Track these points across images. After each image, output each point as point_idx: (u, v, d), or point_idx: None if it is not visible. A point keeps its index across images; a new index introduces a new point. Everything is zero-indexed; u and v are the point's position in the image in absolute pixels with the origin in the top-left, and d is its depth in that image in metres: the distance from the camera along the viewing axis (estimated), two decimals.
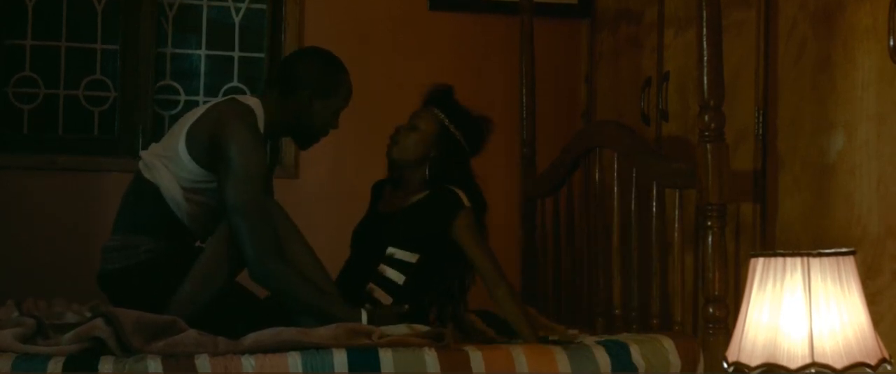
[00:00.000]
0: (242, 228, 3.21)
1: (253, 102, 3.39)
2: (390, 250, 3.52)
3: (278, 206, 3.37)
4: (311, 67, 3.47)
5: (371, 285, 3.48)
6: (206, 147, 3.29)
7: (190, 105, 4.63)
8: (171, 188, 3.33)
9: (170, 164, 3.33)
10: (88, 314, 3.34)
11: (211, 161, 3.29)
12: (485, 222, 3.63)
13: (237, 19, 4.72)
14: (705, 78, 3.06)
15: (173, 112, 4.64)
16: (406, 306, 3.34)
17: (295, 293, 3.24)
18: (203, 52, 4.71)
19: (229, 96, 3.51)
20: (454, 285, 3.60)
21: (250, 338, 2.98)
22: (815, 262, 2.36)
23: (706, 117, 3.08)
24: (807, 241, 3.13)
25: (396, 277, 3.49)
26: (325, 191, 4.63)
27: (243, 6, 4.72)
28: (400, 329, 3.14)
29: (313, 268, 3.34)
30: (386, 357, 2.96)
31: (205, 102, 4.61)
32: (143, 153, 3.44)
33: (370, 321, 3.21)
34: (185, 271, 3.25)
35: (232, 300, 3.30)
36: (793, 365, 2.33)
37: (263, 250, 3.21)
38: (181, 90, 4.67)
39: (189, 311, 3.17)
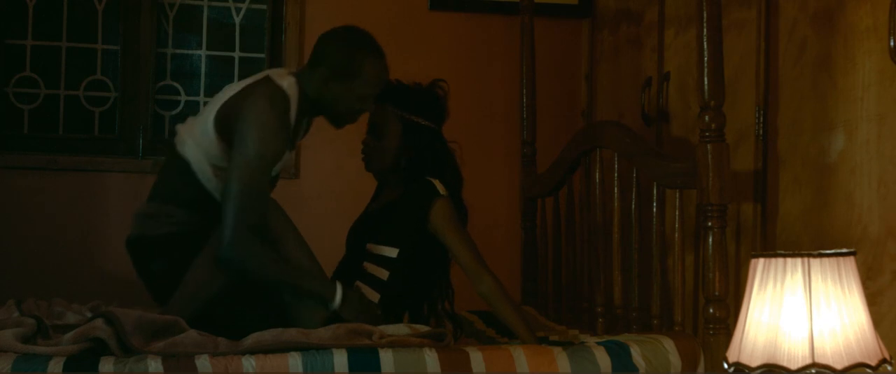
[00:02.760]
0: (231, 209, 3.16)
1: (288, 82, 3.30)
2: (368, 245, 3.51)
3: (274, 203, 3.36)
4: (332, 46, 3.38)
5: (358, 284, 3.47)
6: (233, 127, 3.24)
7: (190, 105, 4.64)
8: (200, 163, 3.31)
9: (200, 140, 3.31)
10: (88, 314, 3.34)
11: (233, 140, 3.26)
12: (461, 198, 3.61)
13: (238, 19, 4.73)
14: (706, 78, 3.06)
15: (174, 112, 4.65)
16: (378, 312, 3.36)
17: (265, 277, 3.21)
18: (203, 52, 4.71)
19: (267, 73, 3.38)
20: (441, 280, 3.59)
21: (251, 338, 2.98)
22: (815, 262, 2.35)
23: (706, 117, 3.07)
24: (807, 241, 3.13)
25: (380, 273, 3.48)
26: (326, 191, 4.63)
27: (244, 6, 4.73)
28: (400, 329, 3.14)
29: (308, 262, 3.33)
30: (386, 357, 2.96)
31: (205, 104, 4.64)
32: (178, 126, 3.42)
33: (342, 301, 3.22)
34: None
35: (234, 299, 3.30)
36: (793, 366, 2.33)
37: (241, 237, 3.15)
38: (182, 90, 4.67)
39: (194, 306, 3.18)
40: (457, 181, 3.60)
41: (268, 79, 3.33)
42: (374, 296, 3.45)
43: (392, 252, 3.49)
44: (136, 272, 3.40)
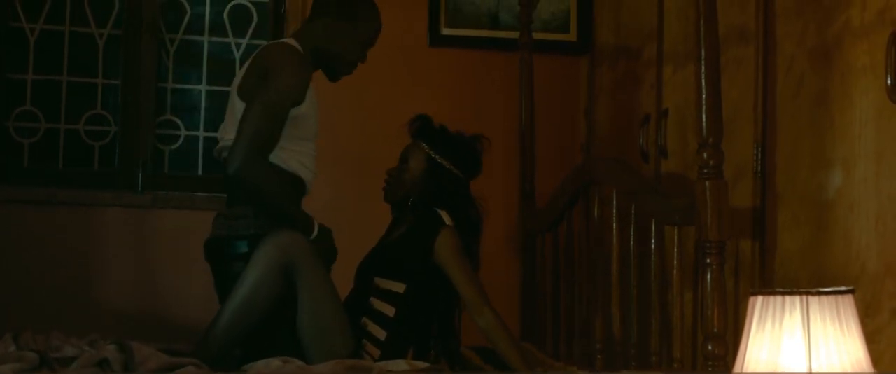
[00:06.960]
0: (244, 131, 3.24)
1: (289, 40, 3.50)
2: (376, 280, 3.50)
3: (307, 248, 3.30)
4: None
5: (364, 320, 3.46)
6: (253, 83, 3.35)
7: (190, 140, 4.65)
8: None
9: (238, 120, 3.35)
10: (86, 348, 3.32)
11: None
12: (477, 244, 3.60)
13: (237, 54, 4.74)
14: (704, 115, 3.06)
15: (174, 147, 4.65)
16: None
17: (265, 194, 3.28)
18: (203, 87, 4.72)
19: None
20: (448, 316, 3.57)
21: (251, 373, 2.97)
22: (813, 300, 2.36)
23: (705, 154, 3.07)
24: (805, 277, 3.13)
25: (386, 309, 3.46)
26: (323, 222, 4.61)
27: (244, 42, 4.74)
28: (400, 365, 3.13)
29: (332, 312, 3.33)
30: None
31: (205, 138, 4.63)
32: (222, 143, 3.44)
33: (318, 235, 3.32)
34: None
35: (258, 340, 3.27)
36: None
37: (251, 153, 3.22)
38: (181, 125, 4.68)
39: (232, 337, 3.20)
40: (472, 225, 3.59)
41: (271, 42, 3.51)
42: (380, 333, 3.43)
43: (399, 287, 3.47)
44: (213, 274, 3.41)
